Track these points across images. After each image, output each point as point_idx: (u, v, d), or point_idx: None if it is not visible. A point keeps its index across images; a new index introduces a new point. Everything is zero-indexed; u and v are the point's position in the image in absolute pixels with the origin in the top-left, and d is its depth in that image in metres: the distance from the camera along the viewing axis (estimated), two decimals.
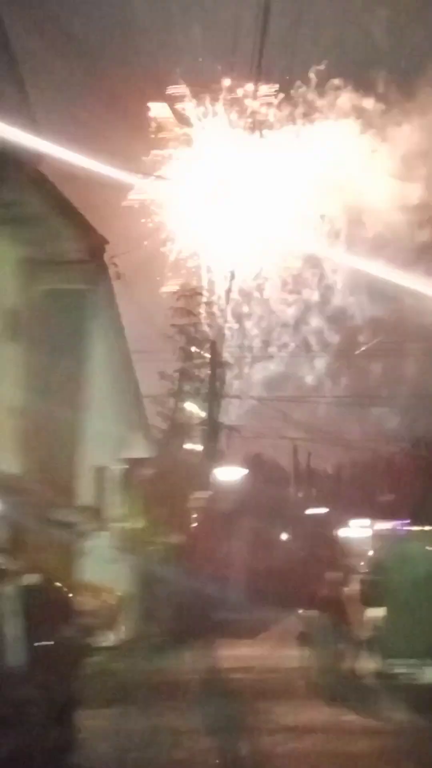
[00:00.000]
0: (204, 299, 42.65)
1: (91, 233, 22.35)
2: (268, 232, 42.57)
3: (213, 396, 43.58)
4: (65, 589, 14.21)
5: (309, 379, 47.88)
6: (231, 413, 48.02)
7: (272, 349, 47.83)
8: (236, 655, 26.46)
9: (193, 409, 44.43)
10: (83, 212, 22.11)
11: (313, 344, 47.64)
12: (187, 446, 37.34)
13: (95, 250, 22.80)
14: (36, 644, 12.43)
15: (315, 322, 46.30)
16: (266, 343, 48.35)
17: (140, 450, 28.58)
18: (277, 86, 40.45)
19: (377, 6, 43.58)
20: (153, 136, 42.91)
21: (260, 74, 22.84)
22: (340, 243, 43.02)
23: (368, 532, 49.86)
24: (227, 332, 48.30)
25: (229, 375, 48.81)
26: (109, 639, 23.05)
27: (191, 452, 37.34)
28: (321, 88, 41.68)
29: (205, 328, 47.24)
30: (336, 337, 47.78)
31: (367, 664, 22.40)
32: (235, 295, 47.42)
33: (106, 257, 23.91)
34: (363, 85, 41.76)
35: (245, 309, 48.22)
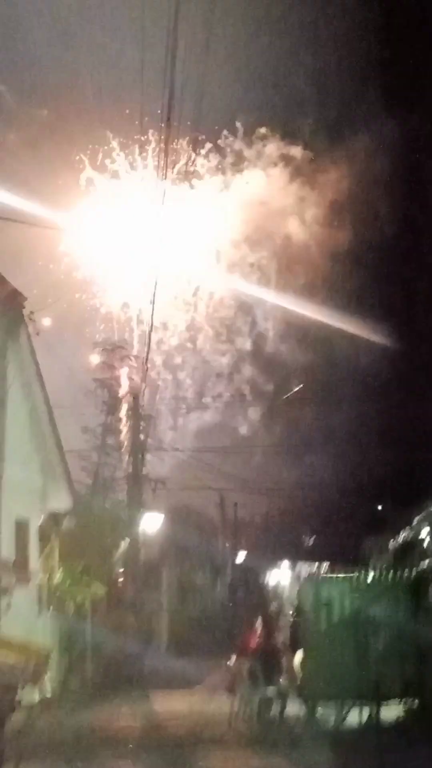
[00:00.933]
0: (126, 353, 42.50)
1: (5, 287, 21.95)
2: (199, 281, 42.83)
3: (135, 449, 43.23)
4: None
5: (242, 429, 47.92)
6: (161, 464, 47.77)
7: (206, 399, 47.94)
8: (162, 705, 26.15)
9: (116, 462, 44.11)
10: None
11: (246, 393, 47.83)
12: (111, 499, 36.84)
13: (10, 304, 22.39)
14: None
15: (248, 371, 46.58)
16: (200, 394, 48.48)
17: (62, 502, 28.07)
18: (203, 137, 40.86)
19: (303, 53, 44.20)
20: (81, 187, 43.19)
21: (170, 126, 22.40)
22: (270, 290, 43.41)
23: (291, 576, 49.81)
24: (160, 383, 48.28)
25: (163, 425, 48.68)
26: (33, 695, 22.38)
27: (115, 504, 36.89)
28: (248, 138, 42.26)
29: (129, 381, 47.11)
30: (269, 385, 48.10)
31: (296, 708, 22.26)
32: (167, 347, 47.63)
33: (24, 311, 23.45)
34: (290, 133, 42.32)
35: (177, 360, 48.42)
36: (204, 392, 49.10)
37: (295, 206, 43.34)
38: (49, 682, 24.79)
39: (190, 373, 49.39)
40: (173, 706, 25.69)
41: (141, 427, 44.20)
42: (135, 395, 41.06)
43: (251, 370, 47.69)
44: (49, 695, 24.40)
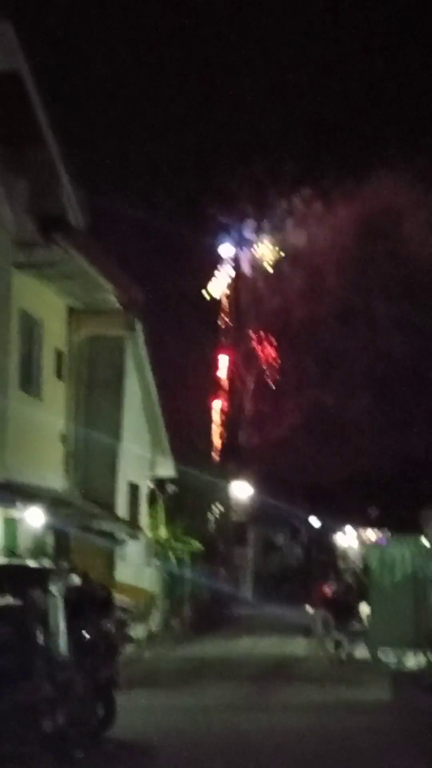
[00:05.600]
0: None
1: (127, 287, 22.39)
2: None
3: (235, 423, 43.83)
4: (105, 588, 14.21)
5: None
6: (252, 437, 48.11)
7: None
8: (247, 645, 26.47)
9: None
10: (124, 269, 22.15)
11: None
12: (208, 468, 37.24)
13: (130, 302, 22.84)
14: (80, 635, 12.48)
15: None
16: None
17: (167, 471, 28.61)
18: None
19: None
20: None
21: None
22: None
23: (358, 540, 49.82)
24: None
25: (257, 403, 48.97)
26: (141, 631, 23.07)
27: (211, 473, 37.25)
28: None
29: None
30: None
31: (361, 652, 22.51)
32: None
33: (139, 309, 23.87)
34: None
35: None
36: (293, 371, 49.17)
37: None
38: (154, 622, 25.44)
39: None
40: (257, 645, 26.05)
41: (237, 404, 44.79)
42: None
43: None
44: (154, 632, 24.98)
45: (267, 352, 49.59)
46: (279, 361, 49.59)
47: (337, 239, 46.87)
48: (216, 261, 50.27)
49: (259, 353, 49.55)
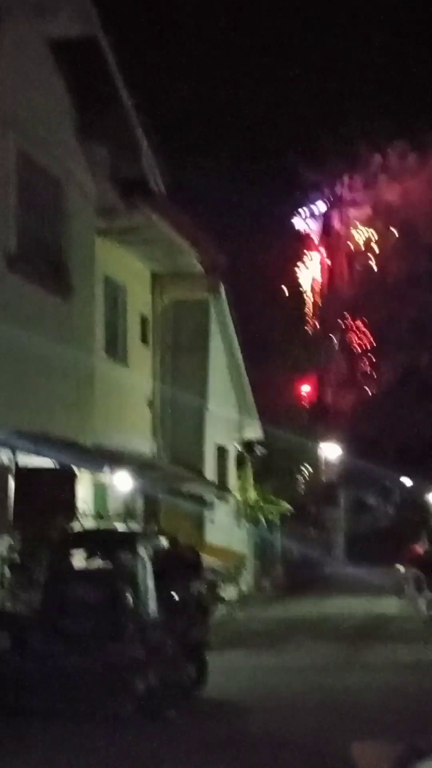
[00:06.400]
0: None
1: (210, 251, 22.38)
2: None
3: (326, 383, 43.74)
4: (194, 550, 14.33)
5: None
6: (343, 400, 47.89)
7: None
8: (340, 605, 26.48)
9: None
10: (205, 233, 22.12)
11: None
12: (297, 430, 37.12)
13: (213, 266, 22.83)
14: (170, 597, 12.63)
15: None
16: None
17: (255, 433, 28.66)
18: None
19: None
20: None
21: None
22: None
23: None
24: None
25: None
26: (231, 592, 23.21)
27: (300, 435, 37.13)
28: None
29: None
30: None
31: None
32: None
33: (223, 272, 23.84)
34: None
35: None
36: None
37: None
38: (245, 583, 25.59)
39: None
40: (349, 605, 26.04)
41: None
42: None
43: None
44: (245, 593, 25.14)
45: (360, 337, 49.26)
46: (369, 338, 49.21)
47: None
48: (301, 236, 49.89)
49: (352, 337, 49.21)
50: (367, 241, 48.72)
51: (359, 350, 50.14)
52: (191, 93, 40.41)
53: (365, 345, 49.56)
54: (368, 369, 50.93)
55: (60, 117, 16.30)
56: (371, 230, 48.68)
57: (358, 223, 48.99)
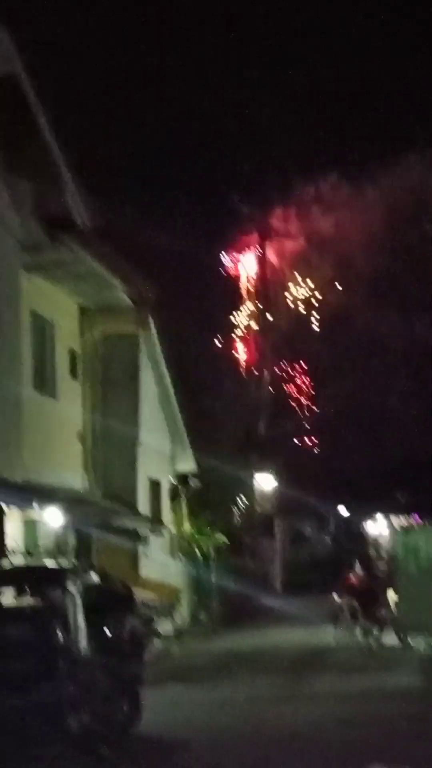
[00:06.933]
0: None
1: (138, 285, 22.38)
2: None
3: (260, 412, 43.86)
4: (125, 585, 14.21)
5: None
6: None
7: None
8: (276, 637, 26.45)
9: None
10: (133, 267, 22.11)
11: None
12: (229, 461, 37.11)
13: (142, 300, 22.83)
14: (102, 633, 12.49)
15: None
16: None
17: (188, 465, 28.63)
18: None
19: None
20: None
21: None
22: None
23: (387, 527, 49.61)
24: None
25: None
26: (167, 626, 23.07)
27: (233, 466, 37.15)
28: None
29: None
30: None
31: (391, 639, 22.49)
32: None
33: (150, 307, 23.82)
34: None
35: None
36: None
37: None
38: (180, 617, 25.46)
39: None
40: (286, 636, 26.02)
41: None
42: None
43: None
44: (181, 627, 25.00)
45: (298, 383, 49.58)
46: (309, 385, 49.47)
47: (362, 224, 46.41)
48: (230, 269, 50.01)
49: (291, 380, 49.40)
50: (306, 299, 48.85)
51: (296, 385, 50.35)
52: (117, 123, 40.42)
53: (303, 382, 49.81)
54: (303, 399, 51.14)
55: None
56: (307, 286, 48.73)
57: (295, 274, 49.02)
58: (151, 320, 23.87)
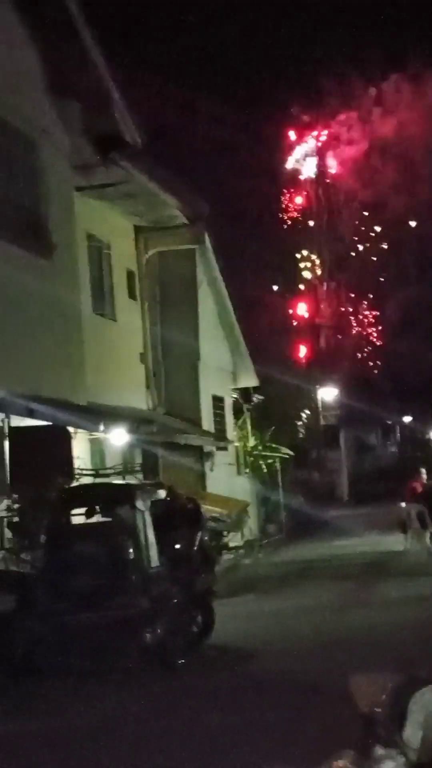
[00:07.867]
0: None
1: (192, 201, 22.18)
2: None
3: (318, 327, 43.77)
4: (193, 500, 14.36)
5: None
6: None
7: None
8: (345, 545, 26.64)
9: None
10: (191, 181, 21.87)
11: None
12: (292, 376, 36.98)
13: (196, 216, 22.65)
14: (172, 547, 12.71)
15: None
16: None
17: (250, 380, 28.61)
18: None
19: None
20: None
21: None
22: None
23: None
24: None
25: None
26: (238, 539, 23.34)
27: (297, 378, 37.00)
28: None
29: None
30: None
31: None
32: None
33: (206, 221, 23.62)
34: None
35: None
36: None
37: None
38: (249, 530, 25.71)
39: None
40: (354, 545, 26.21)
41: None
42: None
43: None
44: (250, 540, 25.27)
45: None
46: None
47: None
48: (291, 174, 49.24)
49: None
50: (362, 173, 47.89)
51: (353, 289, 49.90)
52: (170, 35, 39.79)
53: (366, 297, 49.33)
54: (366, 311, 50.76)
55: (28, 76, 16.10)
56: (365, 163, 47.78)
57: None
58: (206, 235, 23.67)
